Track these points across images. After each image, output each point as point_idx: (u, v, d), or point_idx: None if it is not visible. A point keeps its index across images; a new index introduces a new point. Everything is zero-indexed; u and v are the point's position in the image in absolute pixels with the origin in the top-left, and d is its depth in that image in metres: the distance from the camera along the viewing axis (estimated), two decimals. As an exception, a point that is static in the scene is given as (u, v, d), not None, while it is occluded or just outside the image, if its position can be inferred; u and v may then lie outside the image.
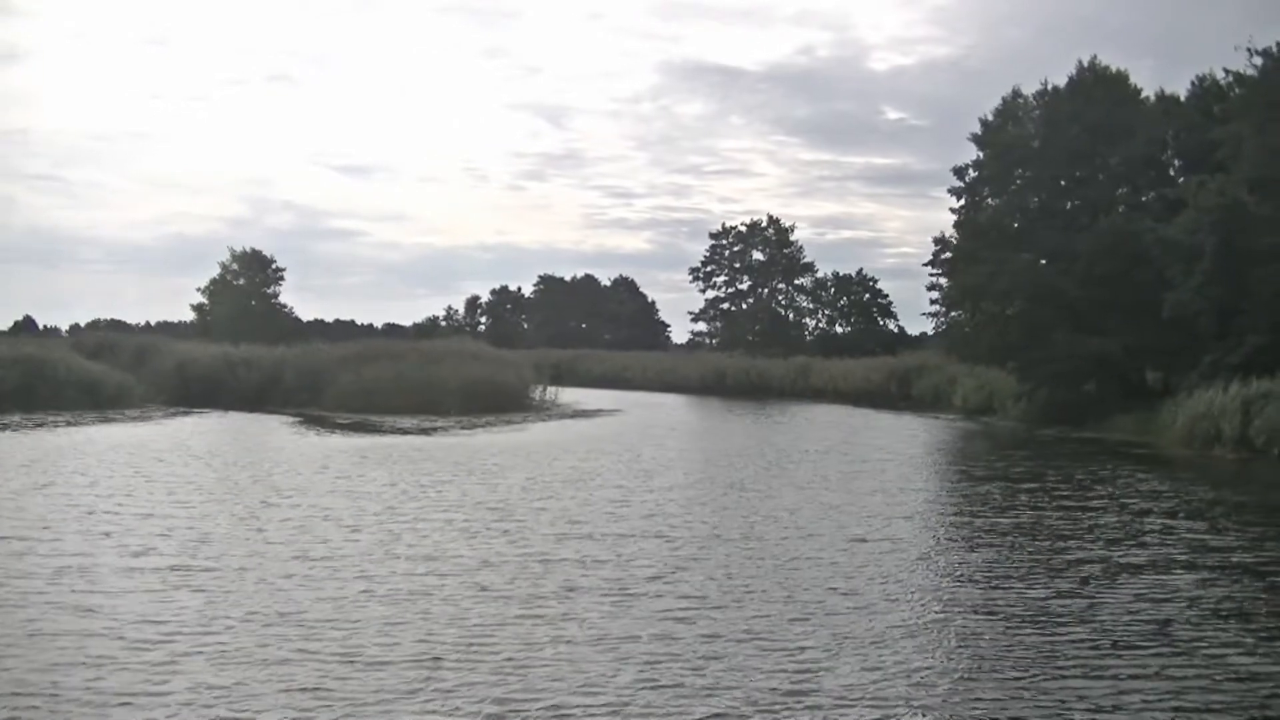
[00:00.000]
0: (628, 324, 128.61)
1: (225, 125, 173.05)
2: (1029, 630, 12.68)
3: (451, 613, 12.96)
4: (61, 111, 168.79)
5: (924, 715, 9.72)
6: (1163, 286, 42.86)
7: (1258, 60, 43.65)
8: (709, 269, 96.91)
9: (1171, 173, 50.87)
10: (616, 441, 37.11)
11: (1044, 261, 50.09)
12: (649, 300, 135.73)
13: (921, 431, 45.99)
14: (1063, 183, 51.10)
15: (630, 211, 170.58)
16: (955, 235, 53.76)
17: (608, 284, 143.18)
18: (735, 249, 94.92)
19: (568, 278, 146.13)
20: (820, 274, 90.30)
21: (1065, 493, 25.37)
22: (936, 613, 13.53)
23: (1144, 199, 49.58)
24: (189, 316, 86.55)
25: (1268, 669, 11.27)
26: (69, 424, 38.48)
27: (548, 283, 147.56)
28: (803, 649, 11.66)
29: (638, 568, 15.74)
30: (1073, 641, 12.18)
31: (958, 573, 16.19)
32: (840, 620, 12.86)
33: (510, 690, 10.11)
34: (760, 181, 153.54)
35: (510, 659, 11.08)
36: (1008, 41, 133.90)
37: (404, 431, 39.65)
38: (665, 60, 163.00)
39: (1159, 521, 20.98)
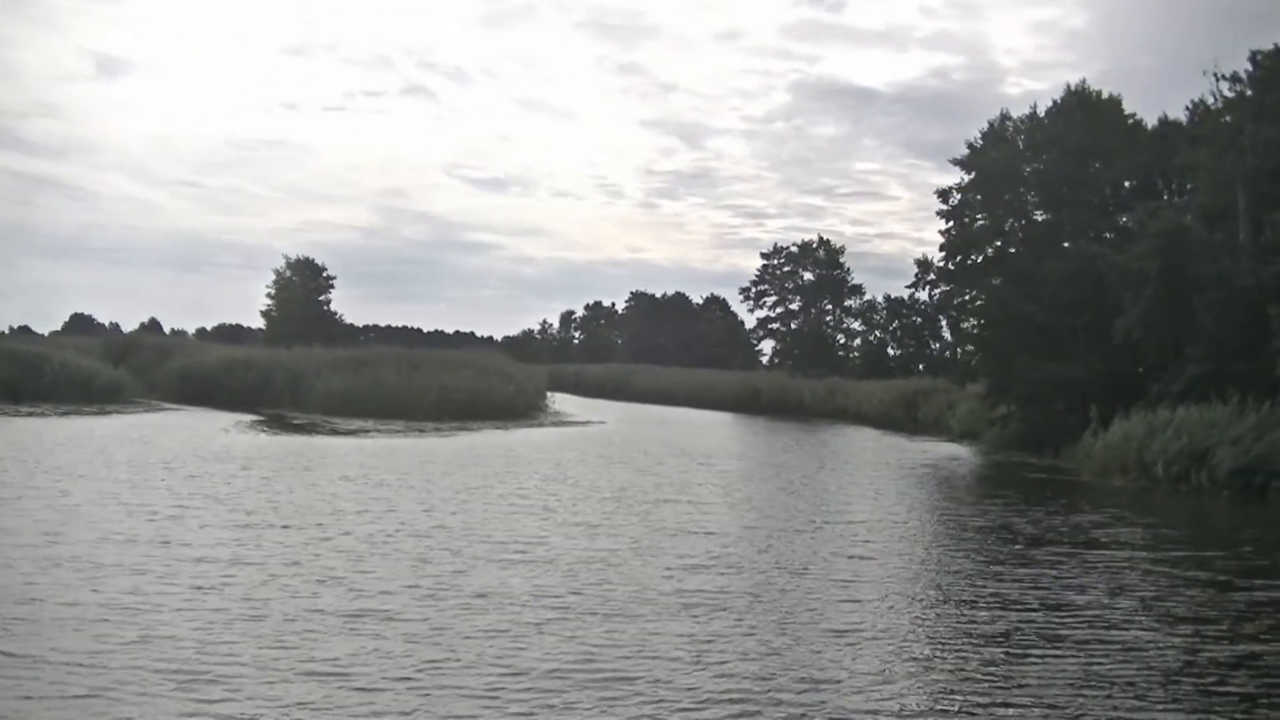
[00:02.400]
0: (715, 342, 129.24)
1: (361, 136, 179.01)
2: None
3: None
4: (201, 119, 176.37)
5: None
6: (1118, 313, 42.61)
7: (1223, 85, 43.22)
8: (761, 288, 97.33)
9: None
10: (536, 451, 38.11)
11: (1016, 286, 49.77)
12: (739, 319, 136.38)
13: (876, 454, 46.10)
14: (1037, 208, 50.72)
15: (762, 232, 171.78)
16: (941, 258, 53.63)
17: (699, 302, 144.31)
18: (786, 269, 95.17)
19: (659, 294, 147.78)
20: (869, 297, 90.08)
21: (916, 520, 25.75)
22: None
23: (1123, 223, 48.99)
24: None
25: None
26: (30, 415, 40.96)
27: (638, 299, 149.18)
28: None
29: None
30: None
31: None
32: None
33: None
34: (892, 205, 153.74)
35: None
36: (1139, 68, 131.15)
37: (339, 433, 41.32)
38: (799, 80, 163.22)
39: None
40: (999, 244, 51.40)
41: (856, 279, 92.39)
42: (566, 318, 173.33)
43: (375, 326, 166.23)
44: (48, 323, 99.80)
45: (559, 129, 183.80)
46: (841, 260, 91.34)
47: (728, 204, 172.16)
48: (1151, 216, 42.00)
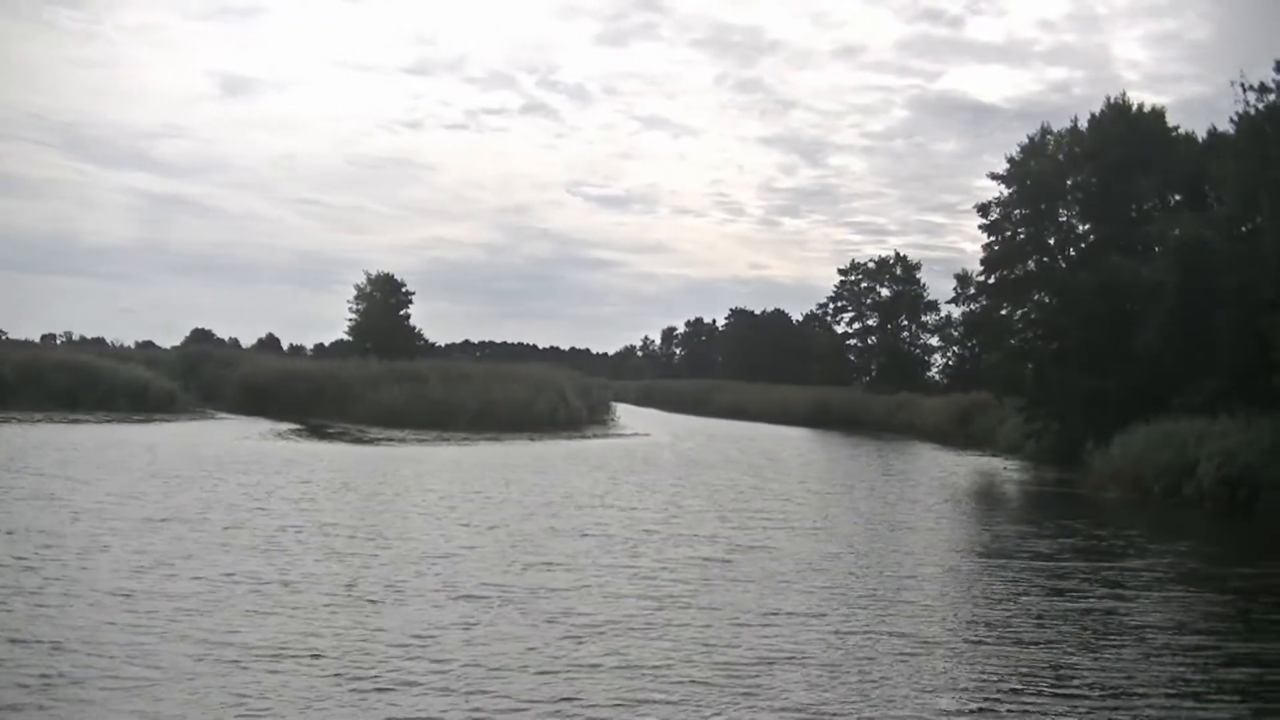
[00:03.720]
0: (814, 358, 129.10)
1: (483, 154, 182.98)
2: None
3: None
4: (325, 138, 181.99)
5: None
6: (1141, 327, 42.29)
7: (1251, 96, 42.50)
8: (839, 304, 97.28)
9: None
10: (549, 465, 39.00)
11: (1052, 300, 49.49)
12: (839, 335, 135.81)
13: (893, 466, 46.17)
14: (1078, 221, 50.32)
15: (883, 249, 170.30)
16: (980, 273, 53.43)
17: (799, 319, 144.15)
18: (863, 285, 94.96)
19: (758, 311, 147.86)
20: (945, 312, 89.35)
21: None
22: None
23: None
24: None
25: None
26: (73, 422, 43.25)
27: (738, 316, 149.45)
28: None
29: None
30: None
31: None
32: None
33: None
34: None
35: None
36: (1265, 81, 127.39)
37: (361, 442, 42.90)
38: (918, 96, 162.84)
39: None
40: (1039, 258, 51.00)
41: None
42: (669, 334, 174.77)
43: (469, 343, 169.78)
44: (171, 337, 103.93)
45: (679, 146, 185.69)
46: (918, 276, 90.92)
47: (849, 221, 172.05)
48: (1170, 228, 41.60)
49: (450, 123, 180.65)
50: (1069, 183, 50.31)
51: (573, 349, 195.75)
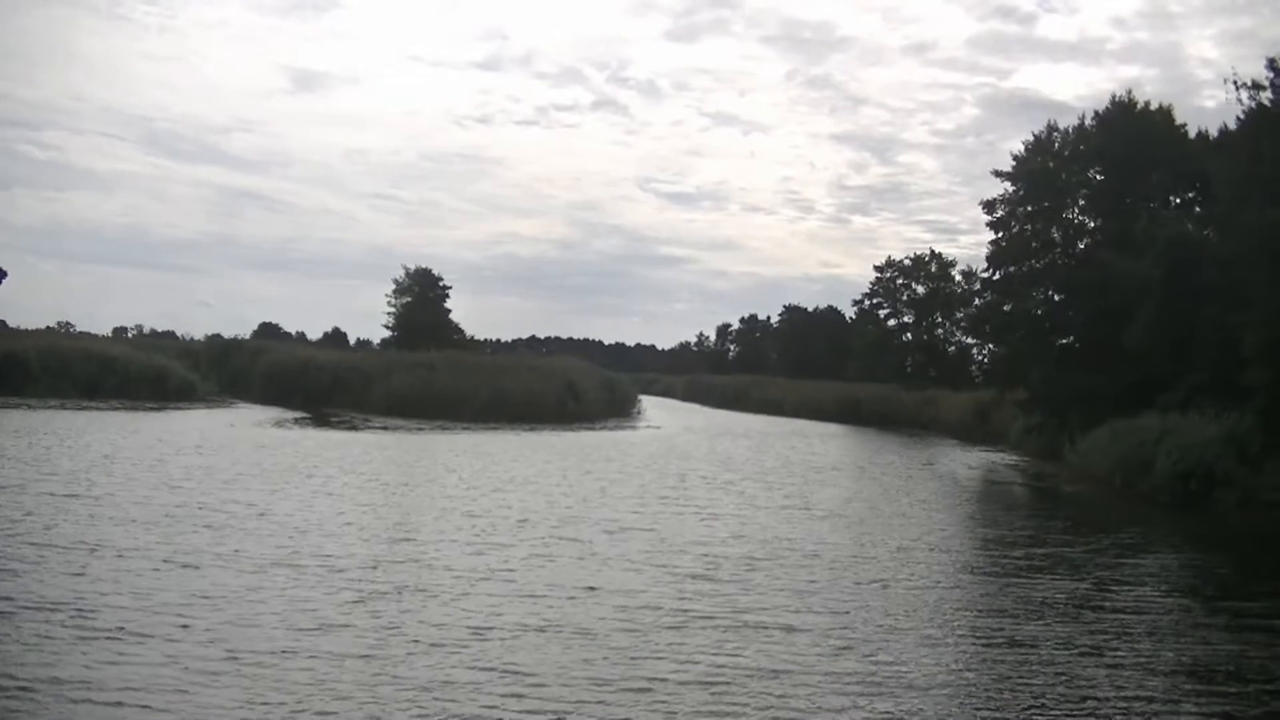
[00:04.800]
0: (863, 354, 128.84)
1: (553, 149, 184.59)
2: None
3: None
4: (396, 132, 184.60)
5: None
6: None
7: (1244, 93, 42.40)
8: (875, 300, 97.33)
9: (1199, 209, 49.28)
10: (512, 452, 39.93)
11: (1057, 296, 49.65)
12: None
13: (889, 457, 46.56)
14: (1083, 217, 50.41)
15: (954, 248, 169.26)
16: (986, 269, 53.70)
17: (853, 316, 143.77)
18: (899, 282, 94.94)
19: (810, 308, 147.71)
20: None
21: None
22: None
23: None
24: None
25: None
26: (83, 409, 44.93)
27: (791, 313, 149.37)
28: None
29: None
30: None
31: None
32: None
33: None
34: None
35: None
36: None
37: (356, 429, 44.45)
38: (989, 94, 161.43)
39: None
40: (1044, 255, 51.10)
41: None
42: (723, 330, 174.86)
43: (535, 338, 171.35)
44: (241, 331, 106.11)
45: (750, 143, 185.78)
46: (953, 273, 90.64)
47: (919, 219, 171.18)
48: (1159, 226, 41.67)
49: (521, 118, 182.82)
50: (1074, 180, 50.35)
51: (638, 345, 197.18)
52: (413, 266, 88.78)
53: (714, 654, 12.47)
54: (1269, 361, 32.90)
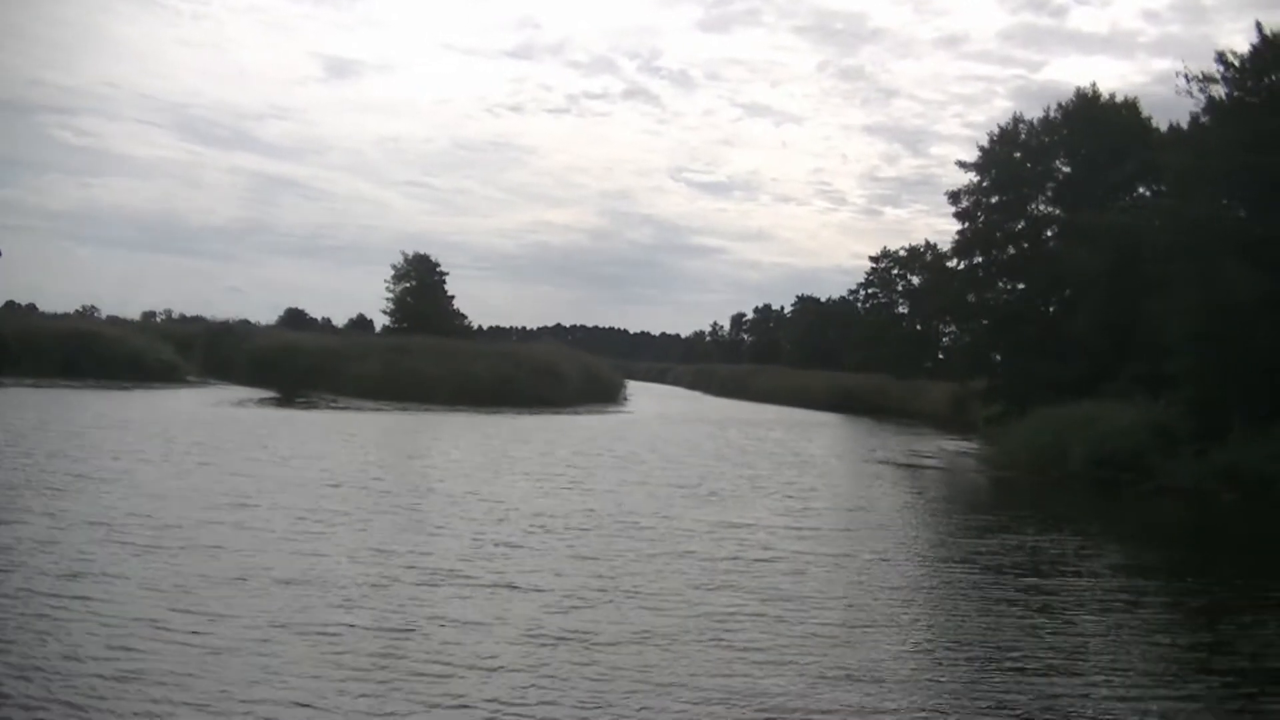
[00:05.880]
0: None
1: (585, 138, 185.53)
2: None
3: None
4: (430, 121, 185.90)
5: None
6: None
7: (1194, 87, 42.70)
8: (870, 290, 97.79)
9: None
10: (449, 432, 40.85)
11: (1020, 286, 50.15)
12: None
13: (854, 448, 47.08)
14: (1048, 208, 50.78)
15: None
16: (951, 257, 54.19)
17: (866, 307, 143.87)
18: (894, 273, 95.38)
19: (823, 299, 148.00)
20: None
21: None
22: None
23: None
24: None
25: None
26: (64, 388, 46.14)
27: (805, 303, 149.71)
28: None
29: None
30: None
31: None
32: None
33: None
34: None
35: None
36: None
37: (315, 408, 45.67)
38: (1021, 87, 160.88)
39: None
40: (1006, 246, 51.50)
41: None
42: (737, 320, 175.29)
43: (560, 326, 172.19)
44: (271, 317, 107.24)
45: (782, 133, 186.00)
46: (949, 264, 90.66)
47: (951, 211, 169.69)
48: (1106, 217, 42.07)
49: (552, 106, 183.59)
50: (1040, 171, 50.70)
51: (663, 334, 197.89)
52: (411, 252, 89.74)
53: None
54: (1191, 351, 33.49)
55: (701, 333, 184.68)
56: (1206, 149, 40.48)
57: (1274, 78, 38.19)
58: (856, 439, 50.40)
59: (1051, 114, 51.13)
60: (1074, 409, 35.01)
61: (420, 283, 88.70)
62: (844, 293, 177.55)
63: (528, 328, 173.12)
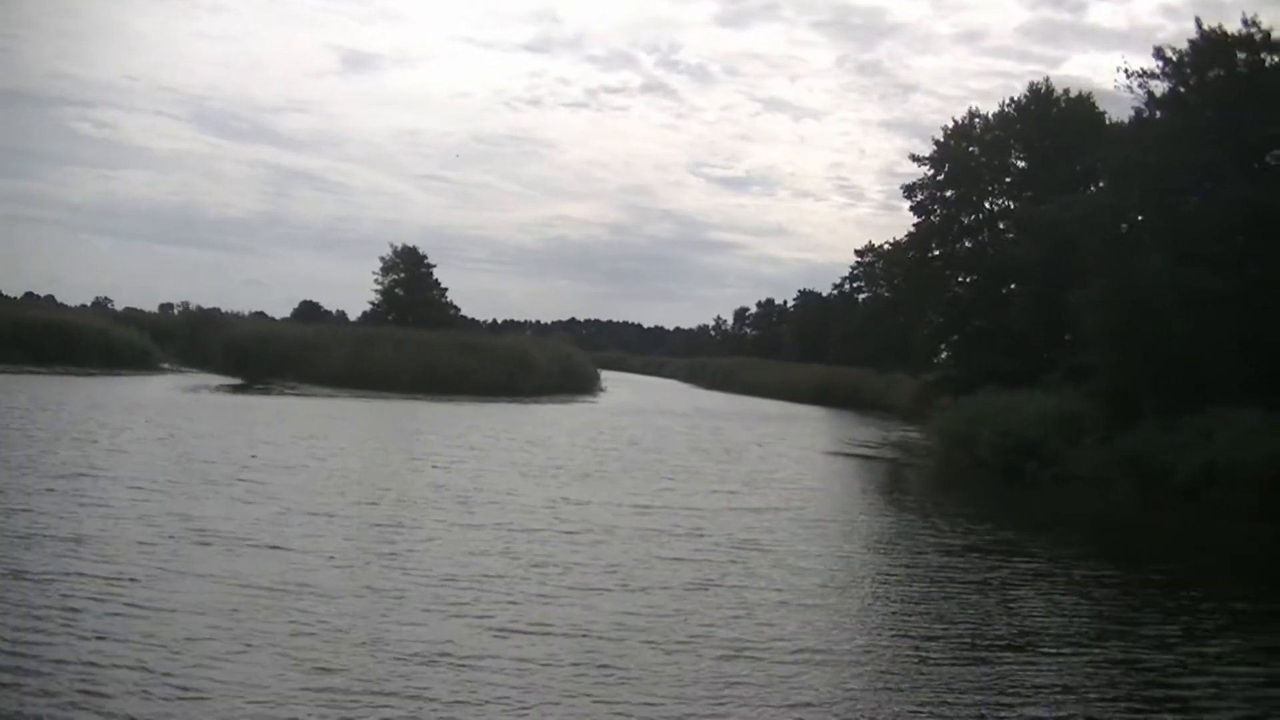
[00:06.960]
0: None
1: (604, 133, 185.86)
2: None
3: None
4: (448, 114, 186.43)
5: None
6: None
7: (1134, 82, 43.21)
8: (856, 284, 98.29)
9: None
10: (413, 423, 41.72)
11: (969, 279, 50.67)
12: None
13: (794, 434, 47.71)
14: (1000, 201, 51.34)
15: None
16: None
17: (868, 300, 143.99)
18: (878, 267, 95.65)
19: (825, 294, 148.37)
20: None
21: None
22: None
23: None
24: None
25: None
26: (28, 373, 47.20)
27: (806, 298, 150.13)
28: None
29: None
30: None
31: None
32: None
33: None
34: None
35: None
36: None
37: (269, 394, 46.79)
38: (1040, 83, 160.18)
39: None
40: (960, 239, 52.07)
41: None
42: (740, 314, 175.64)
43: (574, 320, 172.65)
44: (286, 310, 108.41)
45: (800, 128, 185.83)
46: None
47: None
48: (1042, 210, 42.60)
49: (570, 101, 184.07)
50: (995, 165, 51.19)
51: (676, 329, 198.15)
52: (400, 244, 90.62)
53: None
54: (1105, 342, 34.09)
55: (705, 326, 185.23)
56: (1143, 144, 41.09)
57: (1211, 74, 38.74)
58: (808, 429, 51.11)
59: (1006, 108, 51.58)
60: (994, 398, 35.67)
61: (409, 275, 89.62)
62: (845, 288, 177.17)
63: (542, 321, 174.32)
